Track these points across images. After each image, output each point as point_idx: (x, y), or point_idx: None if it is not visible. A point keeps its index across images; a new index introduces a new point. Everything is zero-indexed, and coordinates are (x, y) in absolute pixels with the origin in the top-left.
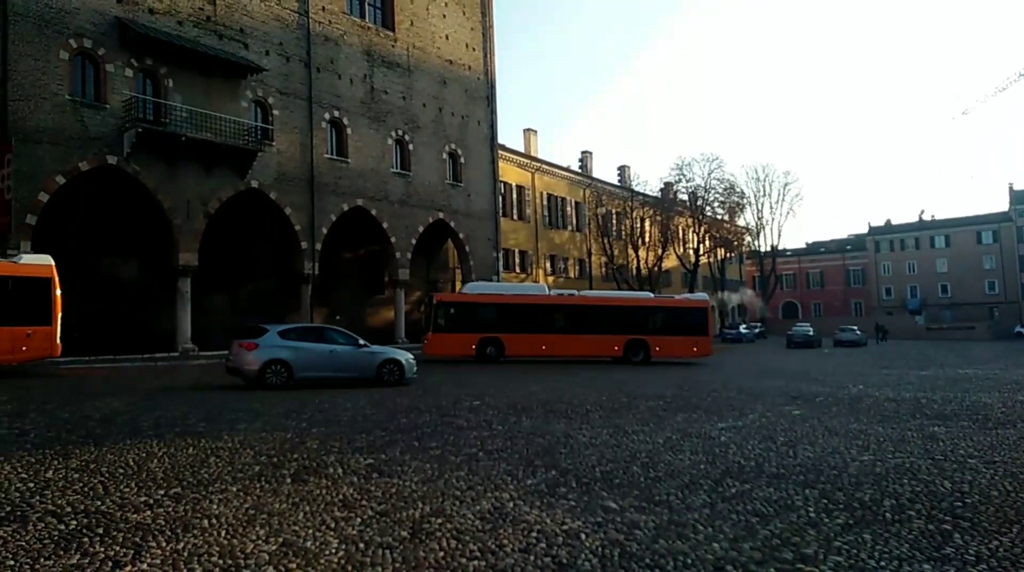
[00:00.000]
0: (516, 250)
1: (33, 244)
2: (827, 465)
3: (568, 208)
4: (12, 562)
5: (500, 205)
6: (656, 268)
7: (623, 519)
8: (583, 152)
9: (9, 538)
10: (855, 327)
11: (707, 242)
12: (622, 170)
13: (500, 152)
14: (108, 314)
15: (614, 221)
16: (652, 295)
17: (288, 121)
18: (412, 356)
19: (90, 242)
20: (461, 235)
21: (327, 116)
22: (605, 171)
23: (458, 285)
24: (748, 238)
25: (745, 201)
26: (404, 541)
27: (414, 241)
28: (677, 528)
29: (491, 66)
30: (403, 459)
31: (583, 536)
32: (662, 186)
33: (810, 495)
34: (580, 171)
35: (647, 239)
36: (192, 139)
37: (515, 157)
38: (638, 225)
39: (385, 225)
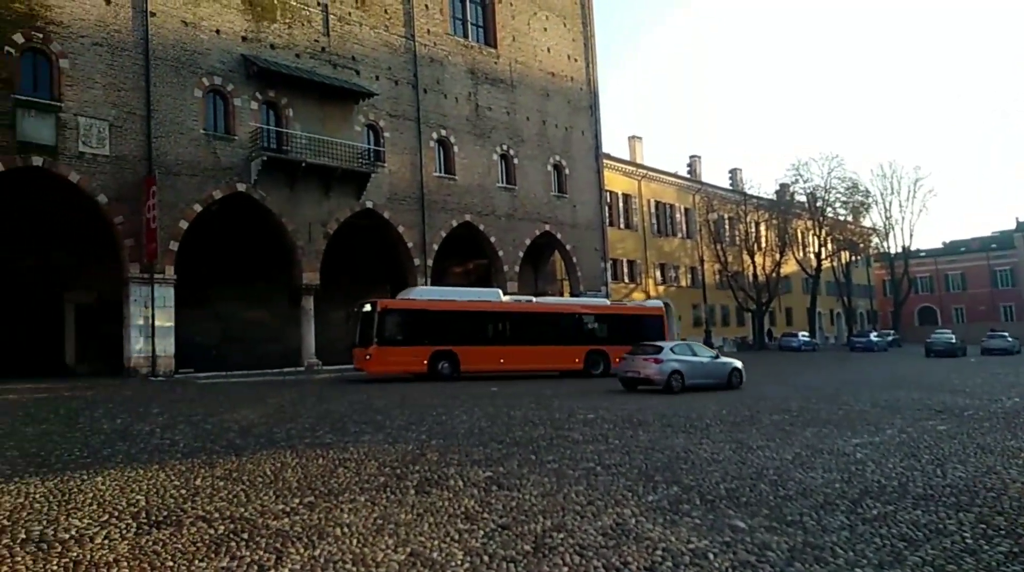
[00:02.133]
0: (624, 260)
1: (175, 269)
2: (982, 486)
3: (677, 215)
4: (171, 563)
5: (607, 214)
6: (774, 274)
7: (753, 540)
8: (691, 157)
9: (167, 540)
10: (1006, 333)
11: (829, 245)
12: (733, 173)
13: (605, 161)
14: (240, 333)
15: (727, 226)
16: (608, 301)
17: (398, 142)
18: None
19: (219, 265)
20: (568, 246)
21: (435, 135)
22: (715, 175)
23: (566, 296)
24: (876, 239)
25: (871, 200)
26: (527, 555)
27: (521, 254)
28: (814, 551)
29: (593, 75)
30: (521, 472)
31: (711, 556)
32: (777, 188)
33: (964, 519)
34: (689, 176)
35: (763, 244)
36: (311, 164)
37: (620, 165)
38: (752, 230)
39: (492, 239)
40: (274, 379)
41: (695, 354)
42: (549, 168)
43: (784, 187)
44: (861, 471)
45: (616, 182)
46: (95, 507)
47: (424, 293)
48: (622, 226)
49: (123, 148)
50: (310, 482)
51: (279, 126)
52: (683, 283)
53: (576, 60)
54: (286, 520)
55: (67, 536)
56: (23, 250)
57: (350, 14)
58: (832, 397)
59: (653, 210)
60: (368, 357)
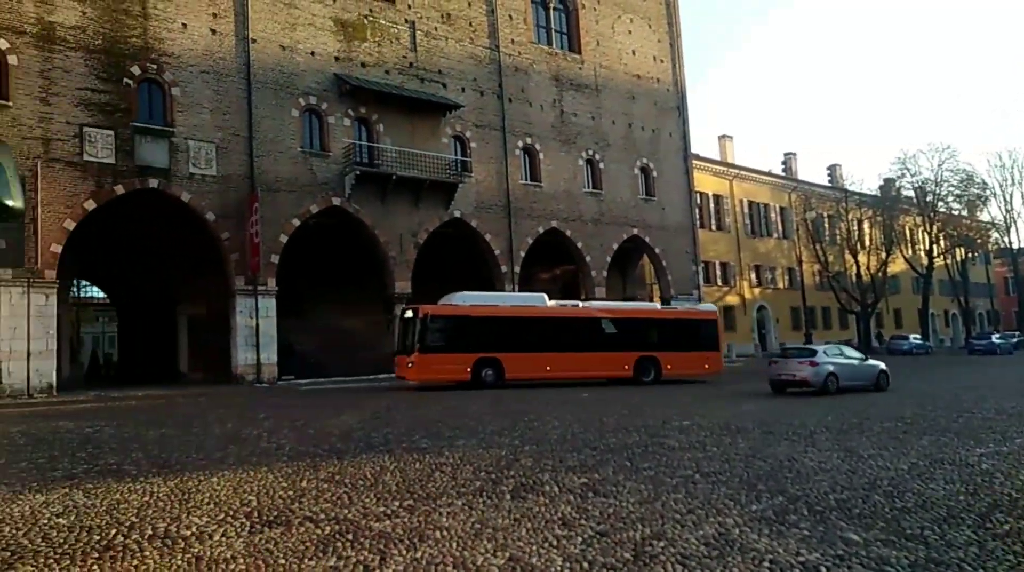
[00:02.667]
0: (716, 262)
1: (277, 281)
2: None
3: (772, 214)
4: (283, 561)
5: (697, 216)
6: (880, 274)
7: (869, 553)
8: (786, 154)
9: (278, 539)
10: None
11: (942, 242)
12: (832, 169)
13: (694, 162)
14: (337, 341)
15: (826, 225)
16: (659, 306)
17: (484, 152)
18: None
19: (317, 276)
20: (657, 250)
21: (520, 143)
22: (813, 172)
23: (656, 301)
24: (995, 234)
25: (988, 192)
26: (628, 563)
27: (609, 258)
28: (938, 568)
29: (680, 76)
30: (616, 479)
31: (823, 570)
32: (881, 183)
33: None
34: (784, 174)
35: (867, 242)
36: (401, 177)
37: (710, 165)
38: (855, 228)
39: (579, 244)
40: (369, 385)
41: (845, 357)
42: (636, 171)
43: (889, 182)
44: (988, 483)
45: (706, 183)
46: (212, 506)
47: (467, 298)
48: (713, 228)
49: (228, 168)
50: (408, 486)
51: (370, 141)
52: (780, 285)
53: (662, 61)
54: (388, 522)
55: (188, 533)
56: (142, 267)
57: (436, 29)
58: (950, 403)
59: (746, 210)
60: (410, 365)
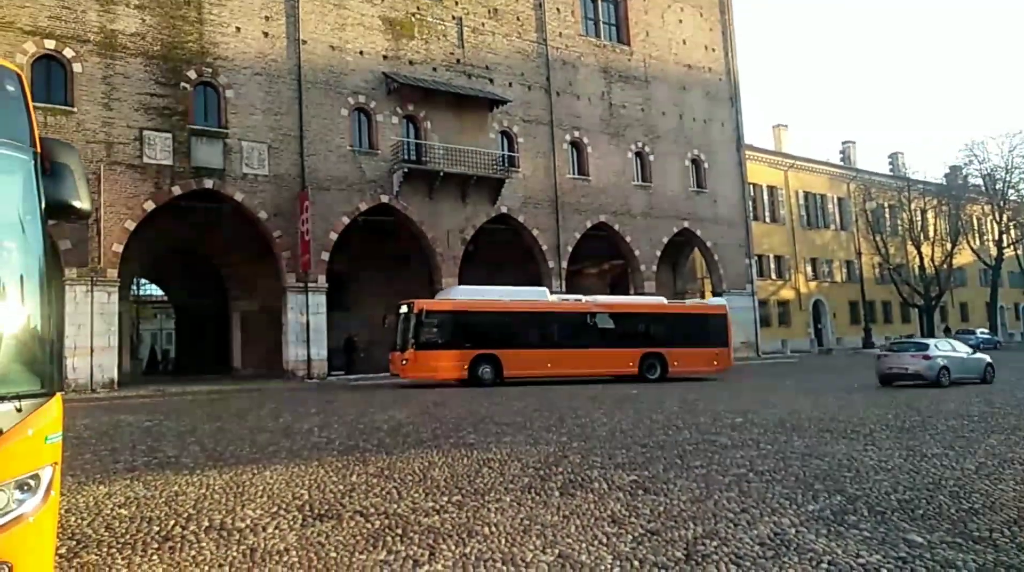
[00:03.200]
0: (771, 255)
1: (327, 277)
2: None
3: (829, 205)
4: (335, 554)
5: (750, 208)
6: (945, 266)
7: (934, 556)
8: (844, 143)
9: (330, 532)
10: None
11: (1012, 231)
12: (894, 157)
13: (748, 152)
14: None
15: (887, 215)
16: (665, 301)
17: (532, 146)
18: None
19: (366, 272)
20: (708, 243)
21: (567, 137)
22: (872, 161)
23: (707, 296)
24: None
25: None
26: (679, 562)
27: (658, 253)
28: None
29: (733, 65)
30: (667, 477)
31: None
32: (947, 171)
33: None
34: (842, 164)
35: (931, 233)
36: (449, 173)
37: (765, 156)
38: (918, 218)
39: (628, 239)
40: (416, 381)
41: (955, 350)
42: (687, 163)
43: (955, 170)
44: None
45: (760, 174)
46: (265, 499)
47: (464, 292)
48: (768, 220)
49: (280, 167)
50: (457, 481)
51: (418, 138)
52: (838, 278)
53: (714, 50)
54: (436, 517)
55: (243, 525)
56: (198, 265)
57: (483, 24)
58: (1021, 401)
59: (802, 201)
60: (404, 362)
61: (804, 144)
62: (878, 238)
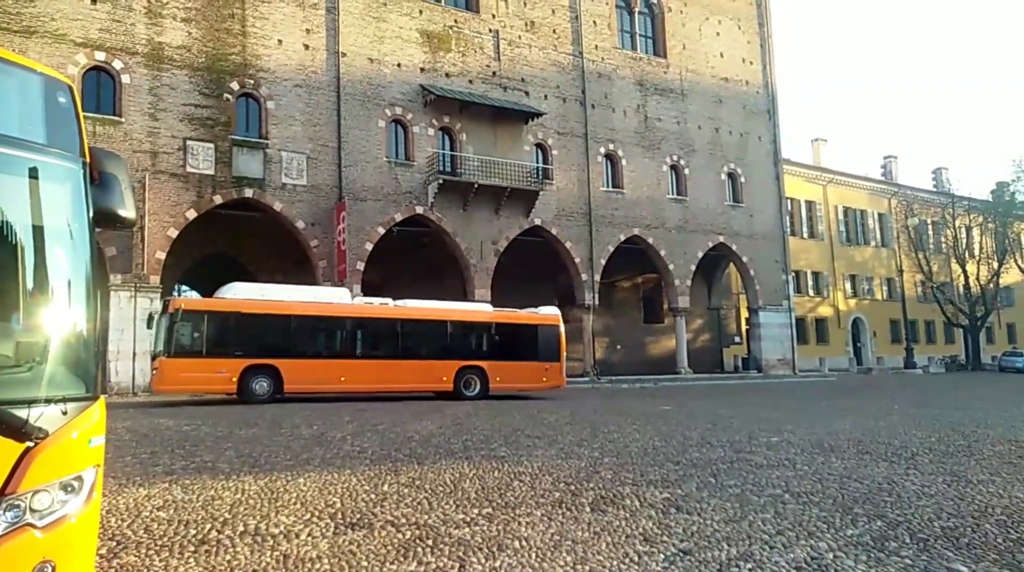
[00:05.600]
0: (808, 271)
1: (363, 288)
2: None
3: (870, 221)
4: (366, 563)
5: (788, 224)
6: (991, 284)
7: None
8: (886, 157)
9: (361, 541)
10: None
11: None
12: (937, 173)
13: (785, 166)
14: None
15: (930, 232)
16: (491, 308)
17: (566, 159)
18: None
19: (399, 283)
20: (744, 258)
21: (602, 150)
22: (915, 176)
23: (743, 312)
24: None
25: None
26: None
27: (693, 267)
28: None
29: (771, 78)
30: (700, 496)
31: None
32: (993, 187)
33: None
34: (883, 179)
35: (976, 251)
36: (483, 185)
37: (803, 170)
38: (963, 235)
39: (663, 252)
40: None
41: None
42: (723, 177)
43: (1002, 186)
44: None
45: (798, 188)
46: (299, 506)
47: (242, 290)
48: (805, 235)
49: (318, 178)
50: (487, 494)
51: (453, 150)
52: (878, 296)
53: (752, 63)
54: (467, 529)
55: (277, 531)
56: (237, 273)
57: (520, 37)
58: None
59: (841, 217)
60: (154, 372)
61: (844, 159)
62: (921, 256)
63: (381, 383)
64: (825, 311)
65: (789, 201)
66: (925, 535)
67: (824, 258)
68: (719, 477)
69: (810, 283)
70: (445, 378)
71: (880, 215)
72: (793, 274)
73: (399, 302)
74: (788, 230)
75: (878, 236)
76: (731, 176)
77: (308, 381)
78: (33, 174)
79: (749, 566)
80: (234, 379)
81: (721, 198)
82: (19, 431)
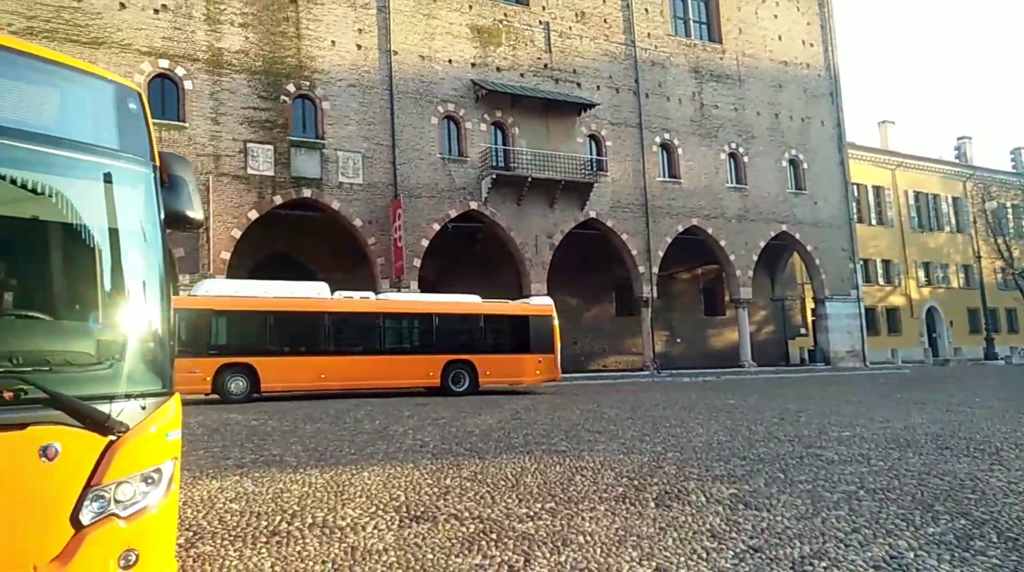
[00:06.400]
0: (878, 259)
1: (419, 284)
2: None
3: (943, 206)
4: (431, 555)
5: (854, 210)
6: None
7: None
8: (959, 138)
9: (426, 534)
10: None
11: None
12: (1016, 154)
13: (850, 151)
14: None
15: (1010, 216)
16: (480, 299)
17: (620, 150)
18: None
19: (453, 278)
20: (808, 247)
21: (657, 139)
22: (992, 157)
23: (808, 302)
24: None
25: None
26: None
27: (755, 257)
28: None
29: (833, 59)
30: (769, 492)
31: None
32: None
33: None
34: (957, 161)
35: None
36: (537, 179)
37: (869, 154)
38: None
39: (722, 243)
40: (505, 387)
41: None
42: (784, 164)
43: None
44: None
45: (865, 173)
46: (364, 499)
47: (215, 288)
48: (874, 222)
49: (373, 176)
50: (549, 488)
51: (506, 144)
52: (954, 284)
53: (812, 45)
54: (530, 524)
55: (344, 524)
56: (297, 270)
57: (570, 28)
58: None
59: (912, 202)
60: None
61: (913, 141)
62: (1000, 241)
63: (365, 380)
64: (897, 300)
65: (855, 187)
66: (1014, 534)
67: (895, 245)
68: (788, 473)
69: (880, 272)
70: (432, 373)
71: (954, 199)
72: (861, 262)
73: (382, 295)
74: (855, 217)
75: (953, 221)
76: (793, 162)
77: (286, 379)
78: (108, 179)
79: (824, 564)
80: (208, 378)
81: (783, 185)
82: (103, 425)
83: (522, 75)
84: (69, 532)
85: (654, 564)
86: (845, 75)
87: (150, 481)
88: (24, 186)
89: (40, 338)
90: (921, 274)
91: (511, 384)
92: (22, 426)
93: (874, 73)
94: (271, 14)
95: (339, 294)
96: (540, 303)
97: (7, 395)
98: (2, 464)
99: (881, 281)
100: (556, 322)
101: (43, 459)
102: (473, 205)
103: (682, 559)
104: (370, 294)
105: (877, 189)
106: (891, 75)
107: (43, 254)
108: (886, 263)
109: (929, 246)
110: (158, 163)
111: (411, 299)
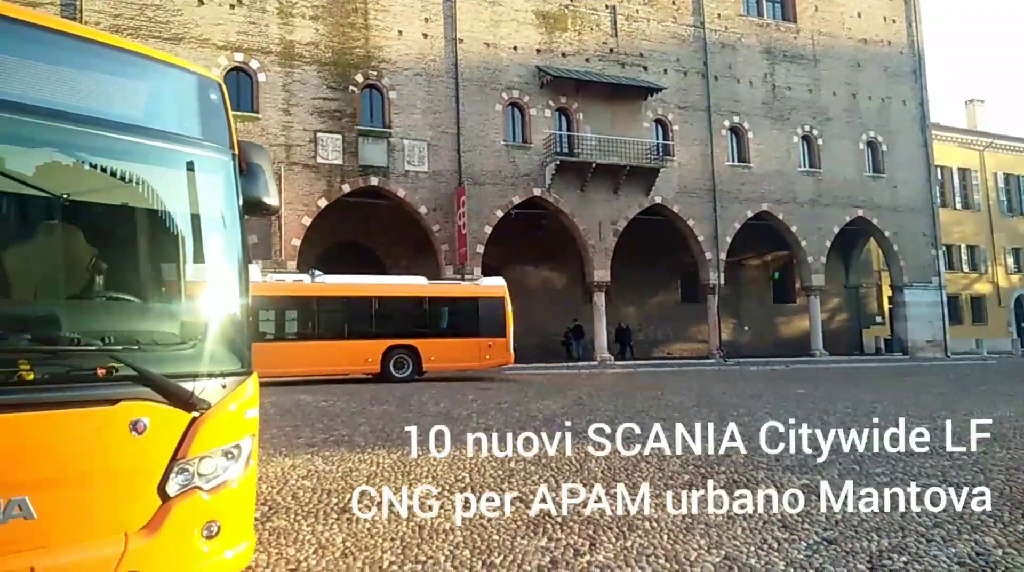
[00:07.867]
0: (962, 245)
1: (482, 270)
2: None
3: None
4: (497, 536)
5: (937, 194)
6: None
7: None
8: None
9: (492, 516)
10: None
11: None
12: None
13: (934, 132)
14: (537, 327)
15: None
16: (425, 281)
17: (687, 134)
18: None
19: (517, 265)
20: (886, 233)
21: (726, 123)
22: None
23: (885, 290)
24: None
25: None
26: None
27: (828, 243)
28: None
29: (917, 36)
30: (842, 483)
31: None
32: None
33: None
34: None
35: None
36: (601, 164)
37: (955, 135)
38: None
39: (794, 228)
40: (568, 373)
41: None
42: (861, 146)
43: None
44: None
45: (949, 155)
46: (430, 479)
47: None
48: (958, 206)
49: (438, 164)
50: (614, 473)
51: (570, 130)
52: None
53: (895, 21)
54: (595, 508)
55: (411, 503)
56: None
57: (637, 11)
58: None
59: (1002, 185)
60: None
61: (1004, 121)
62: None
63: (296, 367)
64: (983, 288)
65: (939, 169)
66: None
67: (982, 230)
68: (863, 464)
69: (964, 258)
70: (370, 359)
71: None
72: (944, 248)
73: (319, 278)
74: (938, 201)
75: None
76: (871, 145)
77: None
78: (190, 167)
79: (904, 559)
80: None
81: (860, 169)
82: (187, 402)
83: (587, 60)
84: (156, 503)
85: (723, 552)
86: (930, 52)
87: (230, 456)
88: (114, 174)
89: (129, 319)
90: (1010, 261)
91: (458, 369)
92: (114, 401)
93: (962, 49)
94: (340, 6)
95: (271, 277)
96: (490, 284)
97: (100, 372)
98: (95, 437)
99: (966, 268)
100: (508, 304)
101: (133, 433)
102: (537, 191)
103: (752, 548)
104: (304, 277)
105: (963, 171)
106: (981, 51)
107: (131, 239)
108: (971, 249)
109: (1020, 231)
110: (237, 151)
111: (348, 282)
